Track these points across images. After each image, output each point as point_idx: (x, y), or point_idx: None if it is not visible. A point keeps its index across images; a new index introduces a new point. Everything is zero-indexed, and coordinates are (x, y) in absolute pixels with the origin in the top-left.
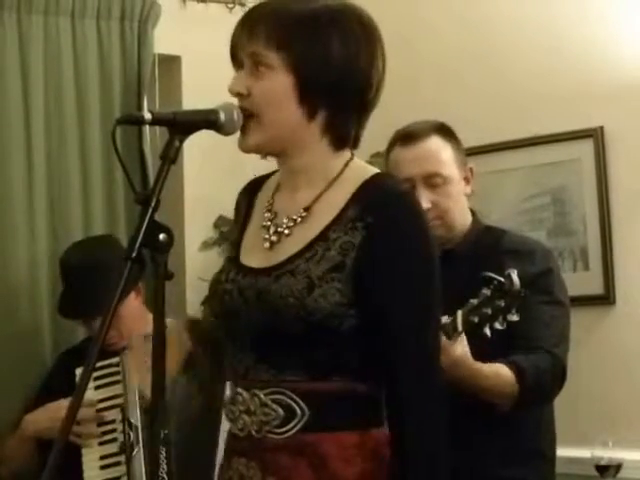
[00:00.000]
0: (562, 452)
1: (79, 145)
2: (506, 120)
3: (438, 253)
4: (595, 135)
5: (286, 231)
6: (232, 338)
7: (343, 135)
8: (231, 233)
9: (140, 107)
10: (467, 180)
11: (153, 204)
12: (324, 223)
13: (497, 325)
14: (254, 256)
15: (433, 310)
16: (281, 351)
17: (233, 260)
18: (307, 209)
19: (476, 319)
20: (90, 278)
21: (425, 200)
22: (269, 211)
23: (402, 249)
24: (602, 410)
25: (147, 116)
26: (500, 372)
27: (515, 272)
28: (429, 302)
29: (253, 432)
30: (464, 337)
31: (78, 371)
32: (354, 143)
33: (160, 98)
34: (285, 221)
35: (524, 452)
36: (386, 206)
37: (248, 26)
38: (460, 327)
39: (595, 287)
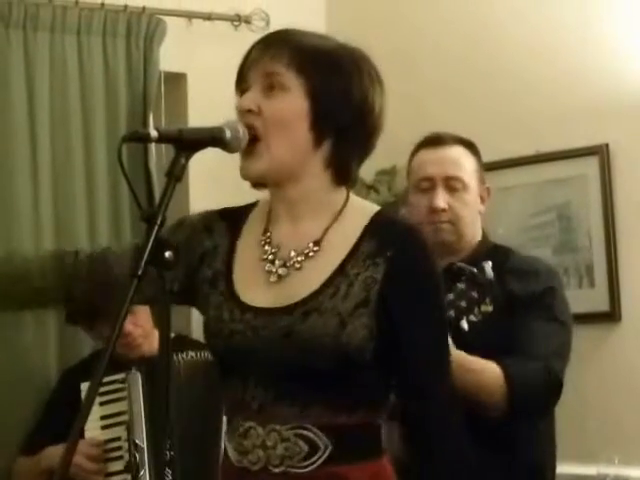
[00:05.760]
0: (568, 469)
1: (85, 162)
2: (511, 137)
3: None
4: (600, 152)
5: (297, 265)
6: (244, 375)
7: (346, 170)
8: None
9: (146, 124)
10: (482, 199)
11: (159, 221)
12: (340, 257)
13: (472, 317)
14: (257, 293)
15: (445, 329)
16: (307, 387)
17: (230, 297)
18: (317, 243)
19: (453, 313)
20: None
21: (442, 200)
22: (268, 244)
23: (422, 280)
24: (608, 427)
25: (153, 133)
26: (487, 368)
27: (489, 264)
28: (444, 324)
29: (271, 467)
30: None
31: (84, 386)
32: (353, 181)
33: (166, 115)
34: (293, 255)
35: (523, 467)
36: (403, 240)
37: (272, 46)
38: None
39: (601, 304)
